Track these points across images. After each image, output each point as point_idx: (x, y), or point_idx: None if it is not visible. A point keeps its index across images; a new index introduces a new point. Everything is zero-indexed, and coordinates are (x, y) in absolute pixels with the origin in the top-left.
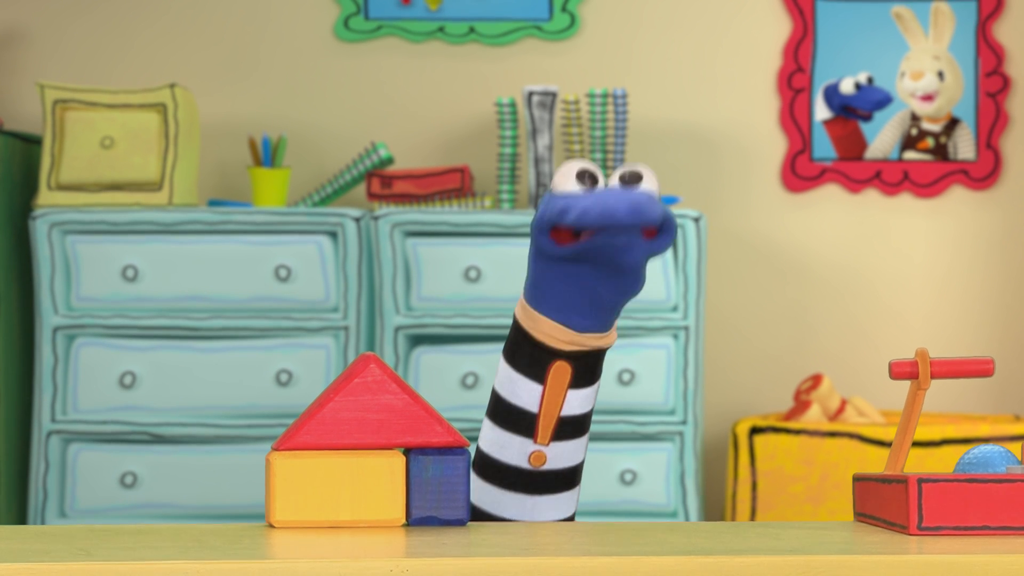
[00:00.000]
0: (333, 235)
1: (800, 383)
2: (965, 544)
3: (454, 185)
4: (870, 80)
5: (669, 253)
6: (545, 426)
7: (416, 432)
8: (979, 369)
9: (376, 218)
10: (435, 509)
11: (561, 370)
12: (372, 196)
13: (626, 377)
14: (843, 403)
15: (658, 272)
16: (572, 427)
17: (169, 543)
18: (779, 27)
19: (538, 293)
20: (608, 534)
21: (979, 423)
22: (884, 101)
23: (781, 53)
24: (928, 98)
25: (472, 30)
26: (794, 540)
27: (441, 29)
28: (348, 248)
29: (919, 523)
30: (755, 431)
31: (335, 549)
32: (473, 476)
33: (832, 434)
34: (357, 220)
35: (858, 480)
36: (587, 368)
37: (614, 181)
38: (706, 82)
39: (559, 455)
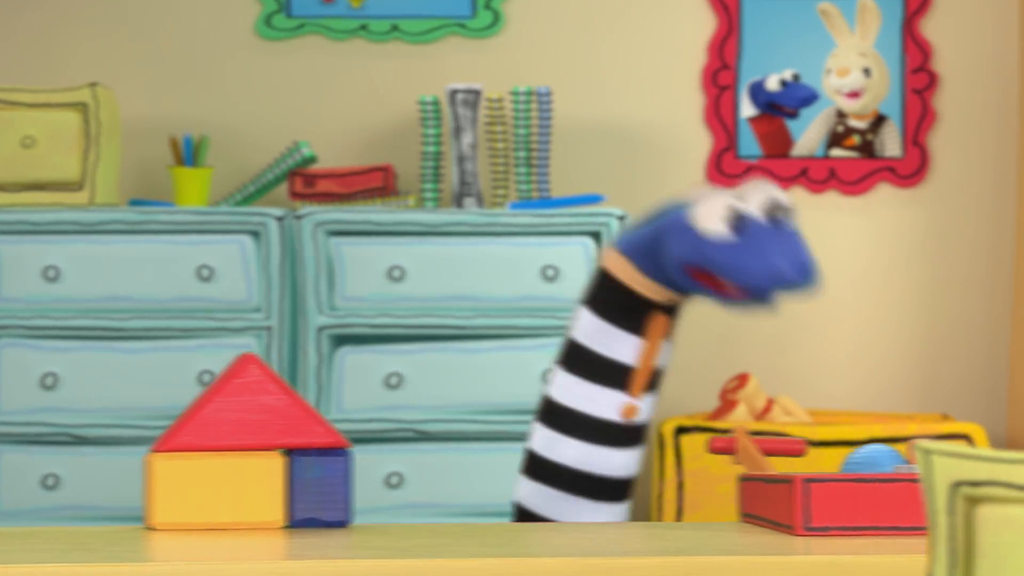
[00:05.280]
0: (256, 235)
1: (726, 382)
2: (852, 545)
3: (377, 184)
4: (796, 77)
5: (593, 251)
6: (642, 378)
7: (297, 433)
8: (791, 449)
9: (299, 217)
10: (316, 511)
11: (659, 321)
12: (295, 195)
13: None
14: (770, 402)
15: (582, 271)
16: (657, 379)
17: (51, 546)
18: (704, 24)
19: (647, 264)
20: (492, 535)
21: (907, 422)
22: (810, 98)
23: (706, 50)
24: (854, 95)
25: (395, 28)
26: (680, 541)
27: (364, 27)
28: (271, 248)
29: (806, 523)
30: (681, 431)
31: (215, 551)
32: (542, 428)
33: (758, 434)
34: (280, 219)
35: (744, 480)
36: (676, 319)
37: (753, 207)
38: (631, 79)
39: (647, 409)
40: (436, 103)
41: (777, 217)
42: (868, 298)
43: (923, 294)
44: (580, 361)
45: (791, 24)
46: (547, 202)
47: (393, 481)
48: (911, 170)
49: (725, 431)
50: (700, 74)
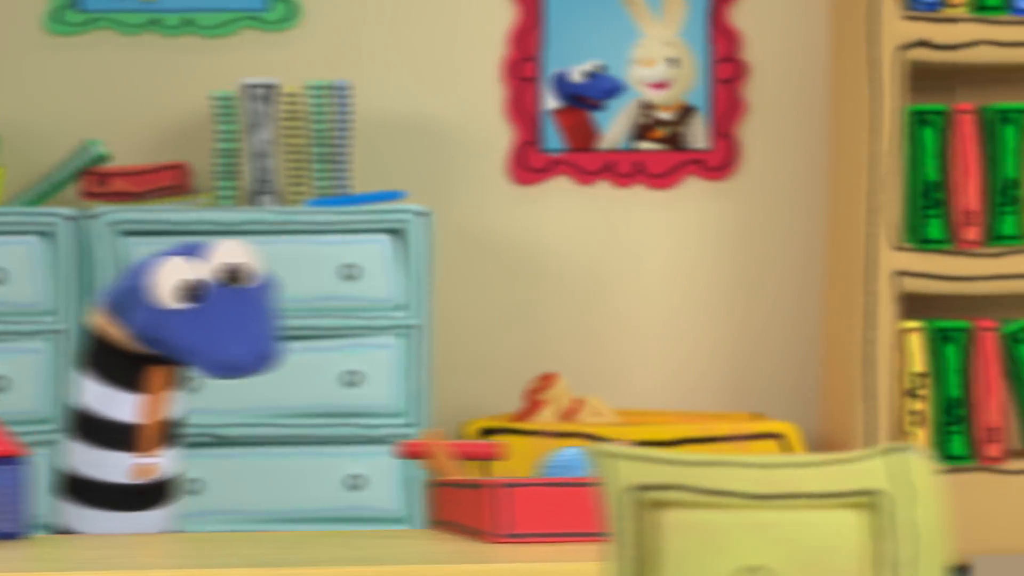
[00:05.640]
0: (46, 235)
1: (531, 382)
2: (543, 551)
3: (172, 182)
4: (601, 68)
5: (395, 250)
6: (150, 435)
7: None
8: (485, 452)
9: (91, 217)
10: None
11: (159, 374)
12: (87, 195)
13: (351, 378)
14: (577, 403)
15: (383, 270)
16: (174, 431)
17: None
18: (506, 15)
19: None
20: (177, 545)
21: (719, 421)
22: (615, 90)
23: (509, 41)
24: (660, 86)
25: (188, 22)
26: (370, 550)
27: (155, 21)
28: (62, 249)
29: (498, 529)
30: (486, 432)
31: None
32: (67, 504)
33: (565, 435)
34: (71, 220)
35: (435, 486)
36: (180, 368)
37: (212, 268)
38: (432, 72)
39: (168, 463)
40: (229, 99)
41: (239, 286)
42: (678, 294)
43: (734, 289)
44: (86, 428)
45: (596, 14)
46: (346, 199)
47: (194, 487)
48: (720, 162)
49: (532, 432)
50: (503, 66)
